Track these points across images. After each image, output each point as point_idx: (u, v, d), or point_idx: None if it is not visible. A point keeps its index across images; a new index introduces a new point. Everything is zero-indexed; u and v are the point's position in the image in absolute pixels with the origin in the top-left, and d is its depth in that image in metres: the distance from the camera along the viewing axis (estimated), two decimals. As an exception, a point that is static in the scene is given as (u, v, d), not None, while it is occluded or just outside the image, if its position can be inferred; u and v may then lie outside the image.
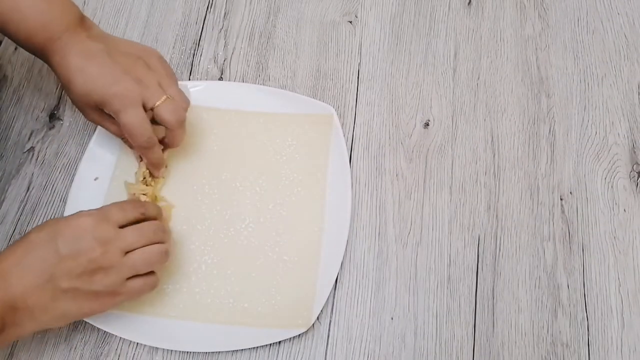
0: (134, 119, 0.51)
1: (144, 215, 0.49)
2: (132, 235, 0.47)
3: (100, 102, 0.51)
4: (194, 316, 0.52)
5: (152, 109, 0.52)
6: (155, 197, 0.56)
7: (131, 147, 0.57)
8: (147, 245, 0.48)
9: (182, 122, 0.53)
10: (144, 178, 0.56)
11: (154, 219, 0.51)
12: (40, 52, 0.53)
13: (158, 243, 0.49)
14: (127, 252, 0.47)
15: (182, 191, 0.57)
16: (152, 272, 0.49)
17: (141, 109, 0.51)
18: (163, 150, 0.56)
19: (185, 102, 0.54)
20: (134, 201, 0.52)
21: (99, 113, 0.53)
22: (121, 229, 0.47)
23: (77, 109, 0.63)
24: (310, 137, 0.59)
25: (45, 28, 0.52)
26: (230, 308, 0.53)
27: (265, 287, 0.54)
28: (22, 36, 0.52)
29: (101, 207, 0.48)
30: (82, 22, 0.54)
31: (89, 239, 0.45)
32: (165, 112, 0.52)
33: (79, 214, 0.47)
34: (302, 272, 0.54)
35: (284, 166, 0.58)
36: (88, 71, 0.51)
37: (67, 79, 0.51)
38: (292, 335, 0.52)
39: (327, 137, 0.59)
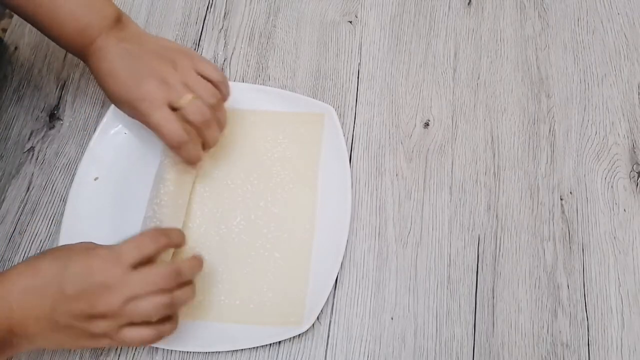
0: (161, 120, 0.51)
1: (166, 246, 0.48)
2: (139, 283, 0.45)
3: (129, 106, 0.52)
4: (186, 314, 0.52)
5: (179, 109, 0.51)
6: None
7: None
8: (153, 293, 0.45)
9: (207, 122, 0.52)
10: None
11: (178, 246, 0.50)
12: (79, 55, 0.55)
13: (166, 292, 0.46)
14: (130, 299, 0.45)
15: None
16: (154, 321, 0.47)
17: (167, 110, 0.51)
18: (203, 149, 0.55)
19: (212, 97, 0.53)
20: (154, 232, 0.48)
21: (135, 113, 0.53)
22: (130, 273, 0.45)
23: (77, 109, 0.63)
24: (302, 135, 0.60)
25: (82, 34, 0.53)
26: (221, 305, 0.53)
27: (257, 285, 0.54)
28: (61, 41, 0.55)
29: (117, 245, 0.46)
30: (117, 22, 0.54)
31: (94, 283, 0.44)
32: (191, 113, 0.51)
33: (92, 250, 0.46)
34: (293, 270, 0.54)
35: (275, 164, 0.59)
36: (116, 75, 0.52)
37: (100, 84, 0.53)
38: (290, 335, 0.52)
39: (318, 135, 0.59)
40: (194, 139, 0.53)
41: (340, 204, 0.56)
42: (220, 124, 0.55)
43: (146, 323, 0.46)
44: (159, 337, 0.47)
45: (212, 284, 0.54)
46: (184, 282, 0.48)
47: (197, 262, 0.50)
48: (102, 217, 0.56)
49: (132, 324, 0.45)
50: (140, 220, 0.54)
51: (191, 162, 0.54)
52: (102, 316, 0.44)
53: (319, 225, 0.56)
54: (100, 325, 0.45)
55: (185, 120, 0.52)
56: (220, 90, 0.54)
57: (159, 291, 0.45)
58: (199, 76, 0.53)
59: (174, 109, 0.51)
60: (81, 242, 0.48)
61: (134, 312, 0.45)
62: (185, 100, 0.51)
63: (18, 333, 0.44)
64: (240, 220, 0.56)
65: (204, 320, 0.53)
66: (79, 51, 0.54)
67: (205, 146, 0.55)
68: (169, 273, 0.46)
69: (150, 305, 0.45)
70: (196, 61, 0.54)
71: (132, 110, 0.52)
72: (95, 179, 0.58)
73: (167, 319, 0.47)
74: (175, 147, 0.52)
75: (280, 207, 0.57)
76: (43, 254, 0.46)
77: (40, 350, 0.53)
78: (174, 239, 0.49)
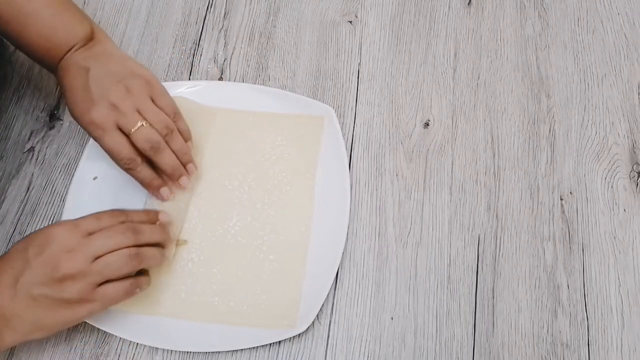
0: (111, 143, 0.51)
1: (123, 222, 0.49)
2: (99, 240, 0.47)
3: (82, 126, 0.52)
4: (180, 314, 0.53)
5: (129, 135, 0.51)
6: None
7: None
8: (118, 249, 0.47)
9: (157, 149, 0.52)
10: None
11: (139, 226, 0.50)
12: (51, 71, 0.56)
13: (131, 247, 0.48)
14: (96, 258, 0.46)
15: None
16: (129, 277, 0.49)
17: (117, 133, 0.51)
18: (169, 180, 0.55)
19: (165, 127, 0.53)
20: (112, 211, 0.51)
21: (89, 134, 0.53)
22: (89, 237, 0.47)
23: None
24: (300, 138, 0.60)
25: (49, 53, 0.54)
26: (216, 306, 0.53)
27: (251, 287, 0.54)
28: (33, 58, 0.56)
29: (76, 219, 0.49)
30: (88, 39, 0.54)
31: (55, 248, 0.45)
32: (139, 140, 0.51)
33: (55, 223, 0.48)
34: (288, 272, 0.54)
35: (272, 166, 0.59)
36: (74, 94, 0.52)
37: (65, 99, 0.54)
38: (289, 336, 0.52)
39: (317, 138, 0.59)
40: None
41: (339, 207, 0.56)
42: (183, 153, 0.55)
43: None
44: (136, 286, 0.49)
45: (207, 285, 0.54)
46: (149, 243, 0.50)
47: (159, 227, 0.52)
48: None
49: (106, 282, 0.47)
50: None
51: (148, 185, 0.54)
52: (71, 277, 0.45)
53: (316, 228, 0.56)
54: (72, 288, 0.45)
55: (135, 147, 0.52)
56: (176, 123, 0.54)
57: (122, 246, 0.48)
58: (153, 104, 0.53)
59: (124, 132, 0.51)
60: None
61: (102, 267, 0.46)
62: (134, 127, 0.51)
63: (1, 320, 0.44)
64: (237, 222, 0.56)
65: (198, 321, 0.53)
66: (49, 68, 0.55)
67: (165, 174, 0.55)
68: (125, 228, 0.48)
69: (117, 257, 0.47)
70: (154, 89, 0.54)
71: (86, 130, 0.52)
72: (94, 178, 0.58)
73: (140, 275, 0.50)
74: (126, 170, 0.53)
75: (276, 210, 0.57)
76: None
77: (39, 351, 0.53)
78: (132, 218, 0.51)
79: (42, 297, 0.45)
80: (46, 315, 0.46)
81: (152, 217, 0.53)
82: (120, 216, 0.50)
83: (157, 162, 0.53)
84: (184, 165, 0.55)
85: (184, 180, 0.55)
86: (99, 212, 0.50)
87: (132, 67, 0.54)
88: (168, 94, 0.55)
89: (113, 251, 0.47)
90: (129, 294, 0.48)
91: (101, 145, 0.52)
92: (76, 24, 0.54)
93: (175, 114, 0.55)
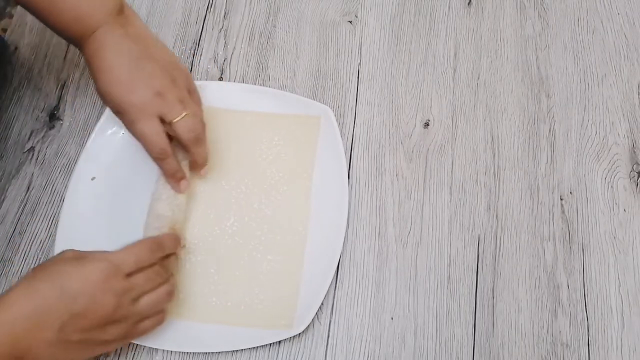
0: (148, 129, 0.51)
1: (161, 258, 0.50)
2: (141, 283, 0.47)
3: (117, 107, 0.51)
4: (177, 313, 0.53)
5: (170, 124, 0.51)
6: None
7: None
8: (154, 288, 0.48)
9: (199, 140, 0.53)
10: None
11: (174, 251, 0.51)
12: (76, 44, 0.53)
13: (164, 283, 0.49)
14: (137, 299, 0.47)
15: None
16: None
17: (157, 121, 0.51)
18: (192, 170, 0.56)
19: (201, 120, 0.54)
20: (150, 245, 0.49)
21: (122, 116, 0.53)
22: (130, 277, 0.46)
23: (77, 109, 0.63)
24: (297, 138, 0.60)
25: (80, 22, 0.51)
26: (213, 307, 0.53)
27: (249, 287, 0.54)
28: (58, 28, 0.52)
29: (112, 255, 0.46)
30: (119, 14, 0.52)
31: (101, 296, 0.44)
32: (183, 129, 0.51)
33: (85, 262, 0.45)
34: (285, 272, 0.54)
35: (269, 166, 0.59)
36: (113, 73, 0.50)
37: (94, 75, 0.51)
38: (289, 336, 0.52)
39: (314, 138, 0.59)
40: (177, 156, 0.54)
41: (337, 207, 0.56)
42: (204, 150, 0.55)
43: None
44: (164, 319, 0.51)
45: (204, 285, 0.54)
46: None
47: (177, 239, 0.53)
48: (100, 217, 0.56)
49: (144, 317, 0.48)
50: (138, 220, 0.55)
51: (173, 176, 0.54)
52: (113, 322, 0.45)
53: (313, 228, 0.56)
54: (113, 331, 0.46)
55: (176, 136, 0.52)
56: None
57: (160, 282, 0.49)
58: (191, 98, 0.54)
59: (164, 122, 0.51)
60: (66, 253, 0.46)
61: (145, 309, 0.47)
62: (179, 116, 0.51)
63: (28, 358, 0.43)
64: (234, 222, 0.56)
65: (195, 321, 0.53)
66: (77, 40, 0.52)
67: (194, 165, 0.55)
68: (162, 267, 0.49)
69: (156, 297, 0.48)
70: (191, 85, 0.55)
71: (119, 112, 0.51)
72: (93, 178, 0.58)
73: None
74: (157, 159, 0.52)
75: (273, 210, 0.57)
76: (34, 274, 0.45)
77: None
78: (169, 248, 0.50)
79: (82, 342, 0.44)
80: (83, 354, 0.46)
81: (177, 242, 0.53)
82: (157, 250, 0.49)
83: (194, 152, 0.54)
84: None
85: (205, 170, 0.56)
86: (137, 248, 0.48)
87: (172, 58, 0.55)
88: (198, 94, 0.57)
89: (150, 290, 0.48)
90: (160, 324, 0.50)
91: (132, 130, 0.51)
92: None
93: (201, 110, 0.56)
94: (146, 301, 0.47)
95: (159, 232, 0.52)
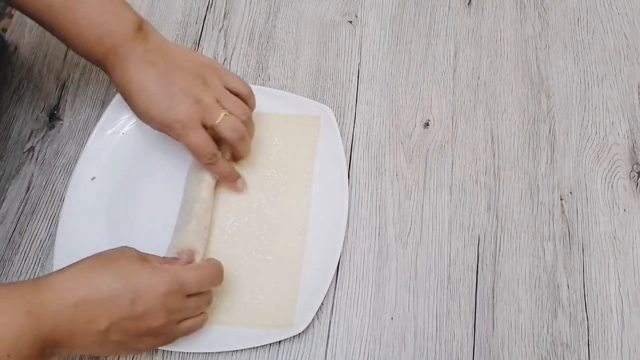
0: (196, 140, 0.51)
1: (218, 286, 0.51)
2: (192, 307, 0.48)
3: (160, 125, 0.51)
4: None
5: (212, 128, 0.51)
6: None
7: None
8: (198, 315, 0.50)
9: (242, 137, 0.53)
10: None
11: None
12: (101, 66, 0.52)
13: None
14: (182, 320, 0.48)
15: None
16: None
17: (202, 130, 0.51)
18: (234, 160, 0.57)
19: (244, 114, 0.53)
20: (214, 272, 0.50)
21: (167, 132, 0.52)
22: (187, 300, 0.47)
23: (77, 109, 0.63)
24: (297, 138, 0.60)
25: (102, 42, 0.51)
26: (213, 307, 0.53)
27: (249, 287, 0.54)
28: (80, 50, 0.52)
29: (181, 272, 0.47)
30: (139, 30, 0.52)
31: (158, 310, 0.45)
32: (225, 130, 0.52)
33: (156, 271, 0.45)
34: (285, 273, 0.54)
35: (269, 166, 0.59)
36: (146, 91, 0.50)
37: (128, 97, 0.51)
38: (289, 336, 0.52)
39: (314, 138, 0.59)
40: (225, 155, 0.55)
41: (337, 207, 0.56)
42: (251, 135, 0.56)
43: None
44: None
45: None
46: None
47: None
48: (99, 217, 0.56)
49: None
50: (138, 220, 0.55)
51: (227, 178, 0.55)
52: (155, 335, 0.46)
53: (313, 228, 0.56)
54: (148, 342, 0.46)
55: (220, 137, 0.52)
56: (248, 102, 0.55)
57: (203, 310, 0.51)
58: (228, 91, 0.53)
59: (206, 126, 0.51)
60: (127, 250, 0.47)
61: (184, 331, 0.49)
62: (219, 119, 0.51)
63: (62, 344, 0.43)
64: (234, 222, 0.56)
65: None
66: (100, 61, 0.52)
67: (236, 157, 0.57)
68: (209, 299, 0.51)
69: (196, 324, 0.50)
70: (223, 75, 0.54)
71: (164, 129, 0.51)
72: (93, 178, 0.58)
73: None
74: (205, 165, 0.53)
75: (273, 210, 0.57)
76: (94, 265, 0.44)
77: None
78: (221, 279, 0.51)
79: (117, 343, 0.44)
80: (108, 352, 0.47)
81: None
82: (218, 279, 0.50)
83: (240, 149, 0.54)
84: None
85: (242, 186, 0.57)
86: (201, 269, 0.49)
87: (196, 58, 0.54)
88: (234, 74, 0.56)
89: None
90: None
91: (184, 142, 0.51)
92: (126, 11, 0.52)
93: (248, 92, 0.55)
94: (188, 325, 0.49)
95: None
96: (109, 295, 0.43)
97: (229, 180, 0.56)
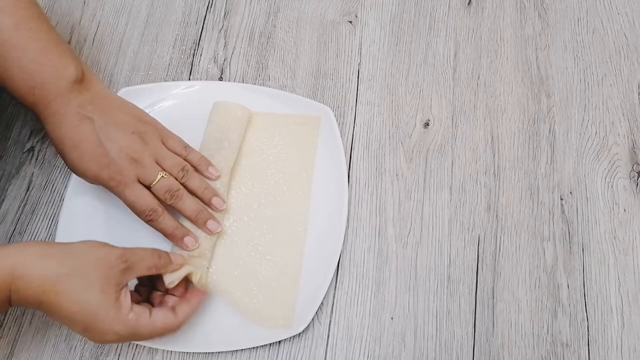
0: (132, 197, 0.50)
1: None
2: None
3: (96, 182, 0.50)
4: None
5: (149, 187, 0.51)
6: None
7: None
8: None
9: (178, 197, 0.51)
10: None
11: None
12: (35, 115, 0.51)
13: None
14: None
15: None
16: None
17: (138, 186, 0.50)
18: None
19: (183, 175, 0.52)
20: (169, 324, 0.48)
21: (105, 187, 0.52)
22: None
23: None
24: (297, 138, 0.60)
25: (34, 93, 0.49)
26: (213, 307, 0.53)
27: (248, 286, 0.54)
28: (16, 98, 0.50)
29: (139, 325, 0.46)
30: (78, 82, 0.50)
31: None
32: (160, 192, 0.51)
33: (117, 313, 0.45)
34: (284, 273, 0.54)
35: (269, 166, 0.58)
36: (80, 150, 0.49)
37: (61, 152, 0.50)
38: (289, 336, 0.52)
39: (314, 138, 0.59)
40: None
41: (337, 207, 0.56)
42: (203, 189, 0.53)
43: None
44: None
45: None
46: None
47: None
48: (99, 217, 0.56)
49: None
50: (138, 220, 0.54)
51: (171, 236, 0.52)
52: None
53: (312, 228, 0.56)
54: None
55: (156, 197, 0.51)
56: (189, 156, 0.54)
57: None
58: (168, 150, 0.53)
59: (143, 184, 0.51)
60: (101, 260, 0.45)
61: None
62: (156, 179, 0.51)
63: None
64: (233, 222, 0.56)
65: (194, 321, 0.52)
66: (34, 110, 0.50)
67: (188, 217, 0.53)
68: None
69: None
70: (162, 132, 0.53)
71: (99, 184, 0.51)
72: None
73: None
74: (147, 222, 0.51)
75: (273, 210, 0.57)
76: (89, 247, 0.46)
77: (39, 352, 0.53)
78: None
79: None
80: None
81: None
82: (180, 325, 0.49)
83: (180, 210, 0.52)
84: (209, 202, 0.53)
85: (211, 224, 0.53)
86: (157, 322, 0.47)
87: (135, 113, 0.53)
88: (175, 135, 0.55)
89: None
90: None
91: (122, 199, 0.51)
92: (65, 62, 0.50)
93: (185, 149, 0.54)
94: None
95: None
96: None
97: (173, 238, 0.52)
